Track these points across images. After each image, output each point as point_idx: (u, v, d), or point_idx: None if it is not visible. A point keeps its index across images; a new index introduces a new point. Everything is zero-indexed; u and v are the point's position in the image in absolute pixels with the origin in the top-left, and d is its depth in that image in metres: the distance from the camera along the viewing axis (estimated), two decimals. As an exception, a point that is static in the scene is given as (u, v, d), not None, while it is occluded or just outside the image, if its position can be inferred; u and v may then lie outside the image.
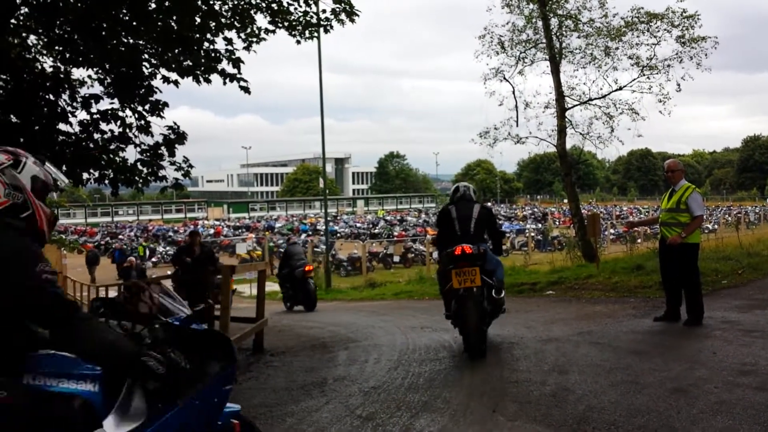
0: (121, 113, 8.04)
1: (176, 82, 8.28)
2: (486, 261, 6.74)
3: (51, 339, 2.31)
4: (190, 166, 8.52)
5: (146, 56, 8.19)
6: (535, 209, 72.82)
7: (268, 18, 8.72)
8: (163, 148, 8.16)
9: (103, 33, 7.59)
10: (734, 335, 6.84)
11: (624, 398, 4.98)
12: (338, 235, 47.08)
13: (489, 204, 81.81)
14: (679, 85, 16.53)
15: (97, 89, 8.19)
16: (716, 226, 41.05)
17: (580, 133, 17.84)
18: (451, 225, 6.98)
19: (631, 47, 16.84)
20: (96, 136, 7.96)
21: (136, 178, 8.10)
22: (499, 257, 7.25)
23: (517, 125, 18.12)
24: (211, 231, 52.48)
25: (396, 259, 31.17)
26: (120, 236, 52.36)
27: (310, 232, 49.55)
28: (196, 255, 12.10)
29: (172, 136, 8.17)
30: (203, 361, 2.65)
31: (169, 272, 25.08)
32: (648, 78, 16.82)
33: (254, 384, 6.49)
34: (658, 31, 16.47)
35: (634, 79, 16.99)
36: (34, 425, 2.18)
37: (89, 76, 8.35)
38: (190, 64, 8.12)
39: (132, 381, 2.43)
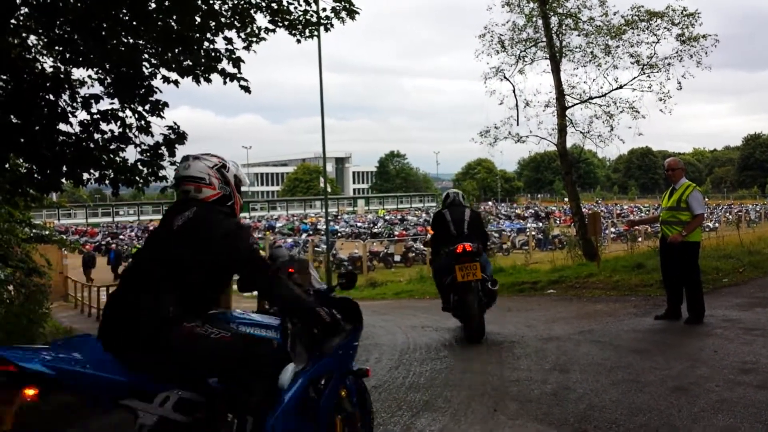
0: (121, 113, 8.00)
1: (176, 82, 8.25)
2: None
3: (259, 293, 3.35)
4: (191, 166, 8.51)
5: (146, 56, 8.15)
6: (536, 208, 72.83)
7: (268, 17, 8.70)
8: (163, 148, 8.11)
9: (103, 33, 7.56)
10: (735, 333, 6.84)
11: (625, 397, 4.99)
12: (339, 234, 47.06)
13: (490, 203, 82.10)
14: (680, 83, 16.51)
15: (97, 89, 8.14)
16: (717, 225, 40.99)
17: (581, 132, 17.82)
18: (447, 227, 7.88)
19: (631, 45, 16.82)
20: (96, 136, 7.91)
21: (137, 178, 8.06)
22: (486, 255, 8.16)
23: (517, 124, 18.11)
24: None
25: (397, 258, 31.15)
26: (121, 236, 52.36)
27: (311, 232, 49.58)
28: None
29: (173, 136, 8.13)
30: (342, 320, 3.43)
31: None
32: (648, 77, 16.82)
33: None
34: (659, 29, 16.43)
35: (635, 78, 16.98)
36: (247, 359, 2.99)
37: (89, 76, 8.31)
38: (190, 63, 8.09)
39: (296, 332, 3.34)
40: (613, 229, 37.91)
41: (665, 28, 16.36)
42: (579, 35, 17.27)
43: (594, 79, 17.58)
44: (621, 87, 17.12)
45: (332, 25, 9.07)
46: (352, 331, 3.65)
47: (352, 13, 8.92)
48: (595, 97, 17.37)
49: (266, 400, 3.05)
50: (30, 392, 2.53)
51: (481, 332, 7.47)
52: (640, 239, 27.20)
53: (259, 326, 3.31)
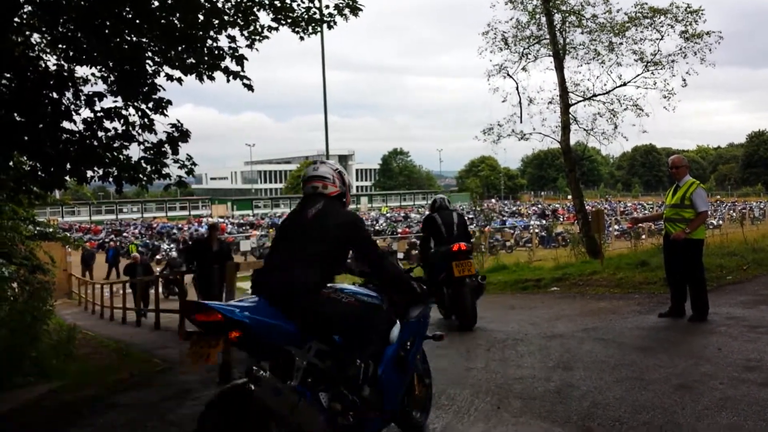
0: (124, 111, 8.01)
1: (180, 80, 8.26)
2: None
3: (371, 268, 4.05)
4: (194, 163, 8.49)
5: (149, 54, 8.16)
6: (541, 205, 72.76)
7: (272, 15, 8.70)
8: (166, 145, 8.12)
9: (107, 31, 7.57)
10: (739, 331, 6.83)
11: (629, 394, 4.98)
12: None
13: (494, 200, 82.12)
14: (684, 80, 16.51)
15: (101, 87, 8.15)
16: (721, 222, 40.92)
17: (585, 129, 17.81)
18: (438, 229, 8.70)
19: (635, 42, 16.78)
20: (100, 134, 7.92)
21: (140, 175, 8.07)
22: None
23: (521, 121, 18.10)
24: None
25: (400, 255, 31.12)
26: (124, 233, 52.47)
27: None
28: (214, 250, 11.77)
29: (176, 134, 8.13)
30: None
31: (158, 269, 24.95)
32: (652, 74, 16.77)
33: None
34: (662, 26, 16.41)
35: (638, 75, 16.95)
36: (368, 319, 3.81)
37: (93, 74, 8.31)
38: (194, 61, 8.10)
39: (389, 302, 4.14)
40: (616, 227, 37.83)
41: (669, 25, 16.33)
42: (582, 32, 17.25)
43: (597, 76, 17.58)
44: (625, 84, 17.09)
45: (335, 23, 9.06)
46: (429, 303, 4.55)
47: (355, 10, 8.90)
48: (599, 95, 17.36)
49: (379, 351, 3.89)
50: (235, 334, 3.23)
51: (473, 320, 8.30)
52: (643, 237, 27.16)
53: (366, 295, 4.02)
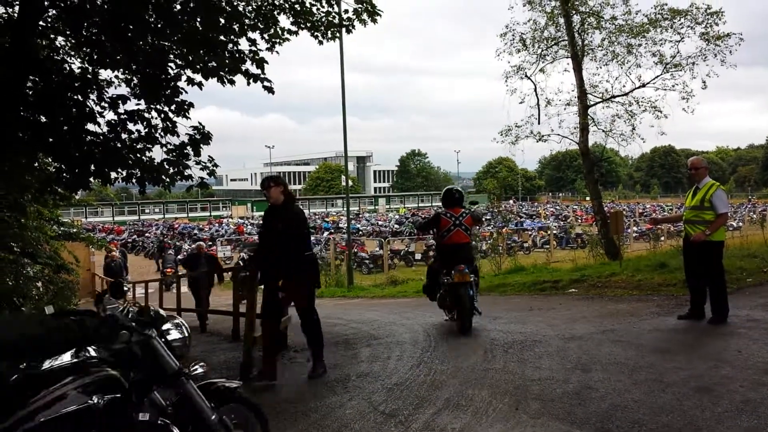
0: (147, 114, 8.14)
1: (200, 84, 8.36)
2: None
3: None
4: (216, 165, 8.59)
5: (171, 57, 8.28)
6: (557, 206, 72.39)
7: (291, 19, 8.79)
8: (188, 147, 8.23)
9: (130, 35, 7.69)
10: (759, 334, 6.78)
11: (648, 397, 4.98)
12: (360, 233, 47.10)
13: (511, 201, 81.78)
14: (704, 82, 16.36)
15: (124, 90, 8.29)
16: (741, 224, 40.45)
17: (603, 131, 17.74)
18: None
19: (654, 44, 16.70)
20: (123, 136, 8.06)
21: (163, 177, 8.18)
22: None
23: (538, 123, 18.07)
24: (232, 228, 53.13)
25: (417, 256, 31.13)
26: (146, 234, 53.03)
27: (333, 230, 49.69)
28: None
29: (198, 136, 8.23)
30: None
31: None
32: (672, 76, 16.66)
33: (278, 380, 6.57)
34: (682, 27, 16.30)
35: (657, 76, 16.84)
36: None
37: (116, 77, 8.45)
38: (215, 65, 8.20)
39: None
40: (635, 228, 37.58)
41: (689, 26, 16.22)
42: (601, 34, 17.19)
43: (617, 78, 17.51)
44: (644, 85, 17.00)
45: (353, 27, 9.11)
46: None
47: (373, 15, 8.95)
48: (618, 96, 17.27)
49: None
50: None
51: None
52: (662, 238, 26.96)
53: None
